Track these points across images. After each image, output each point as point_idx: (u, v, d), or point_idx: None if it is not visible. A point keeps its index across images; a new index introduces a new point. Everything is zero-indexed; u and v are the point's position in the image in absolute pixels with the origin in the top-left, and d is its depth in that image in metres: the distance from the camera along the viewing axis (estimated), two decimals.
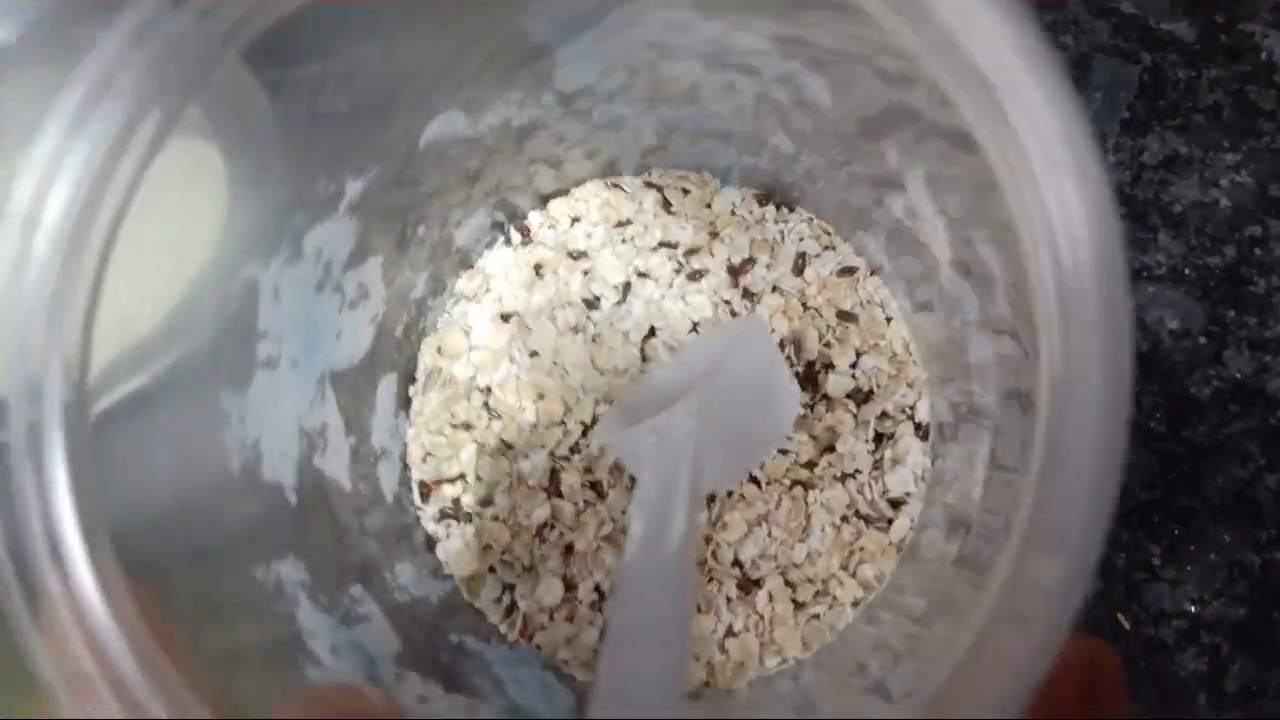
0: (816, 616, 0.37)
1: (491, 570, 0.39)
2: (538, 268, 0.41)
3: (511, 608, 0.39)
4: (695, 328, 0.40)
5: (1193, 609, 0.38)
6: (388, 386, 0.39)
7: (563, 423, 0.39)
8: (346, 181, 0.30)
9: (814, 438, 0.39)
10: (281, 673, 0.25)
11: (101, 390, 0.22)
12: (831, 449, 0.38)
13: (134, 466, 0.24)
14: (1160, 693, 0.37)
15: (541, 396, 0.39)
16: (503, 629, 0.38)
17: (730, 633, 0.37)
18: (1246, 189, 0.41)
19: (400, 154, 0.31)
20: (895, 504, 0.38)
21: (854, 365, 0.39)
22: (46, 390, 0.20)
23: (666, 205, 0.41)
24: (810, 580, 0.38)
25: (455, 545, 0.39)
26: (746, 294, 0.40)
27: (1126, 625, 0.38)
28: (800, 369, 0.39)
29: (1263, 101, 0.42)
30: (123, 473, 0.22)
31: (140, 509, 0.23)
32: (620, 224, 0.41)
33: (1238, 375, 0.39)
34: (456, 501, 0.39)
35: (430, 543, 0.39)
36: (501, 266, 0.41)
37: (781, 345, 0.39)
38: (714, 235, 0.40)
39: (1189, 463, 0.39)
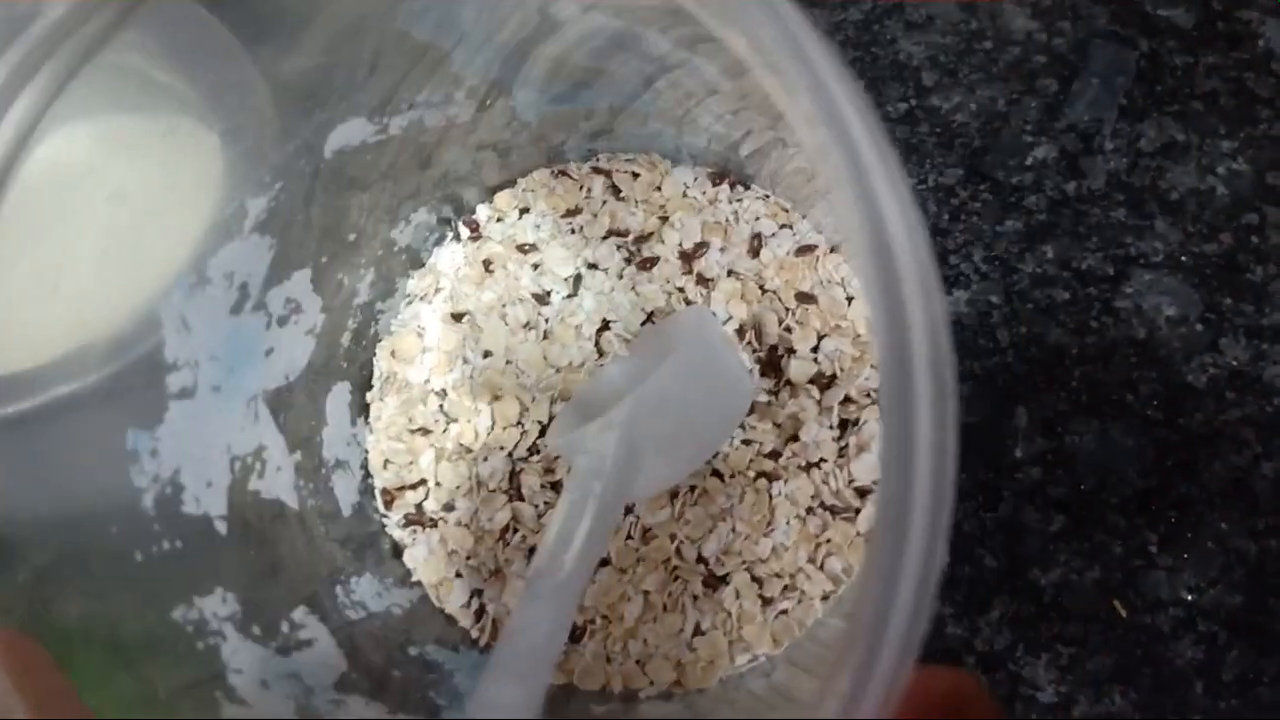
0: (785, 612, 0.36)
1: (458, 575, 0.38)
2: (487, 263, 0.40)
3: (481, 612, 0.38)
4: (650, 318, 0.38)
5: (1189, 596, 0.36)
6: (340, 396, 0.38)
7: (519, 423, 0.38)
8: (246, 200, 0.29)
9: (777, 426, 0.37)
10: (198, 714, 0.25)
11: None
12: (795, 438, 0.37)
13: (15, 501, 0.23)
14: (1156, 681, 0.36)
15: (497, 398, 0.38)
16: (474, 633, 0.38)
17: (698, 631, 0.37)
18: (1244, 176, 0.40)
19: (304, 166, 0.30)
20: (862, 493, 0.36)
21: (816, 349, 0.37)
22: None
23: (615, 191, 0.39)
24: (777, 575, 0.36)
25: (422, 551, 0.39)
26: (701, 280, 0.38)
27: (1123, 612, 0.37)
28: (762, 355, 0.38)
29: (1260, 89, 0.41)
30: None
31: (25, 552, 0.23)
32: (569, 213, 0.39)
33: (1234, 363, 0.38)
34: (420, 507, 0.39)
35: (397, 550, 0.39)
36: (451, 264, 0.40)
37: (741, 332, 0.38)
38: (664, 220, 0.39)
39: (1186, 450, 0.38)
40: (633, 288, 0.38)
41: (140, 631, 0.25)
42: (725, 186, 0.39)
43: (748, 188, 0.39)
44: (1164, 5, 0.42)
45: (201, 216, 0.27)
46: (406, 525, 0.39)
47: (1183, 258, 0.39)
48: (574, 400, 0.37)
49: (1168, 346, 0.39)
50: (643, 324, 0.38)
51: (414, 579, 0.39)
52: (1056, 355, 0.39)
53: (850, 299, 0.37)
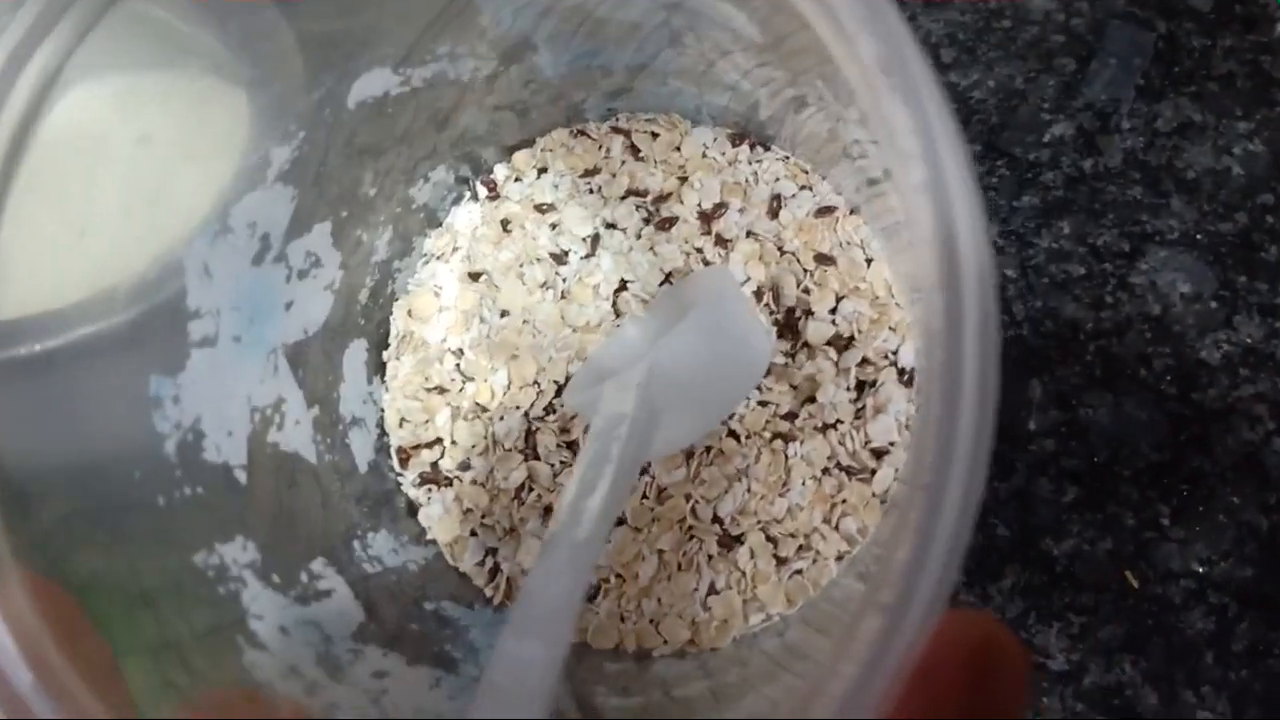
0: (799, 572, 0.36)
1: (473, 534, 0.38)
2: (505, 223, 0.39)
3: (495, 571, 0.38)
4: (668, 279, 0.38)
5: (1201, 569, 0.37)
6: (357, 353, 0.38)
7: (536, 383, 0.38)
8: (271, 150, 0.29)
9: (794, 388, 0.37)
10: (217, 660, 0.25)
11: None
12: (812, 399, 0.37)
13: (38, 443, 0.23)
14: (1167, 651, 0.36)
15: (514, 357, 0.38)
16: (488, 592, 0.38)
17: (713, 590, 0.37)
18: (1259, 157, 0.40)
19: (327, 117, 0.30)
20: (878, 454, 0.36)
21: (834, 310, 0.37)
22: None
23: (635, 151, 0.39)
24: (792, 535, 0.36)
25: (436, 510, 0.39)
26: (719, 240, 0.38)
27: (1135, 583, 0.37)
28: (780, 316, 0.38)
29: (1276, 71, 0.41)
30: (22, 452, 0.22)
31: (47, 492, 0.23)
32: (587, 173, 0.39)
33: (1248, 340, 0.38)
34: (435, 466, 0.39)
35: (412, 508, 0.39)
36: (469, 223, 0.40)
37: (759, 294, 0.38)
38: (684, 180, 0.39)
39: (1199, 425, 0.38)
40: (651, 248, 0.38)
41: (162, 576, 0.26)
42: (745, 147, 0.39)
43: (767, 149, 0.39)
44: None
45: (227, 164, 0.27)
46: (422, 484, 0.39)
47: (1198, 236, 0.40)
48: (591, 360, 0.37)
49: (1182, 323, 0.39)
50: (660, 284, 0.38)
51: (429, 537, 0.39)
52: (1071, 329, 0.39)
53: (870, 261, 0.37)
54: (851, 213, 0.38)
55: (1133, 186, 0.40)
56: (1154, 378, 0.38)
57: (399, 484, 0.39)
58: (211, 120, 0.26)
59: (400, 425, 0.39)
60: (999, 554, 0.38)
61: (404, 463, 0.39)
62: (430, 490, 0.39)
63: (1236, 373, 0.38)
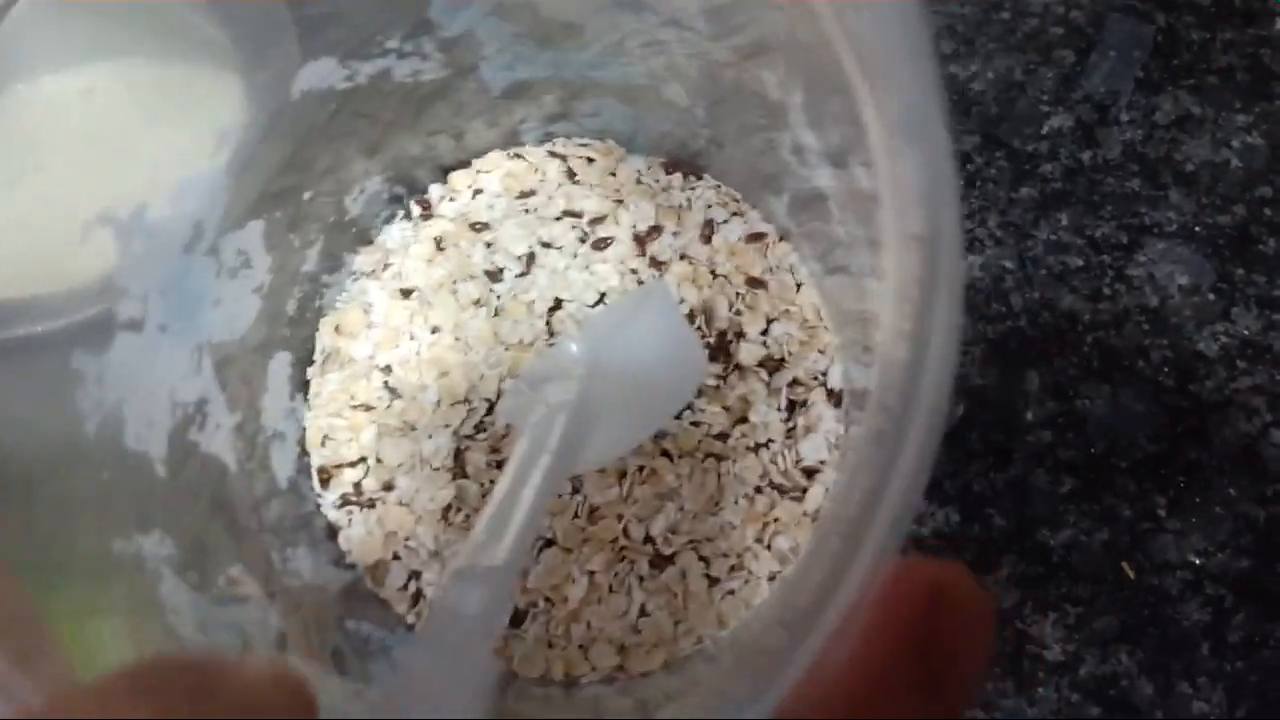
0: (732, 592, 0.36)
1: (395, 557, 0.37)
2: (438, 241, 0.39)
3: (418, 596, 0.37)
4: (602, 299, 0.38)
5: (1197, 560, 0.37)
6: (281, 367, 0.37)
7: (467, 400, 0.38)
8: (217, 128, 0.28)
9: (726, 408, 0.37)
10: (146, 629, 0.23)
11: None
12: (744, 419, 0.37)
13: None
14: (1163, 642, 0.36)
15: (444, 374, 0.38)
16: (409, 618, 0.37)
17: (643, 613, 0.36)
18: (1258, 150, 0.41)
19: (270, 104, 0.29)
20: (809, 473, 0.36)
21: (765, 333, 0.38)
22: None
23: (571, 175, 0.40)
24: (725, 555, 0.36)
25: (358, 533, 0.37)
26: (654, 262, 0.39)
27: (1131, 574, 0.37)
28: (712, 339, 0.38)
29: (1275, 65, 0.42)
30: None
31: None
32: (523, 194, 0.40)
33: (1246, 332, 0.39)
34: (358, 486, 0.38)
35: (331, 531, 0.38)
36: (401, 241, 0.40)
37: (691, 316, 0.38)
38: (619, 203, 0.39)
39: (1196, 417, 0.38)
40: (587, 267, 0.38)
41: (81, 557, 0.24)
42: (678, 175, 0.40)
43: (700, 178, 0.40)
44: None
45: (171, 135, 0.27)
46: (343, 505, 0.37)
47: (1196, 228, 0.40)
48: (524, 375, 0.37)
49: (1179, 315, 0.39)
50: (595, 304, 0.38)
51: (348, 561, 0.37)
52: (1069, 321, 0.39)
53: (799, 285, 0.38)
54: (781, 239, 0.39)
55: (1131, 179, 0.41)
56: (1151, 369, 0.39)
57: (319, 505, 0.38)
58: (162, 84, 0.26)
59: (322, 444, 0.38)
60: (995, 544, 0.38)
61: (324, 483, 0.38)
62: (351, 512, 0.37)
63: (1234, 365, 0.39)
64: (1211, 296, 0.40)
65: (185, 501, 0.29)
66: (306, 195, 0.34)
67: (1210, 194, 0.41)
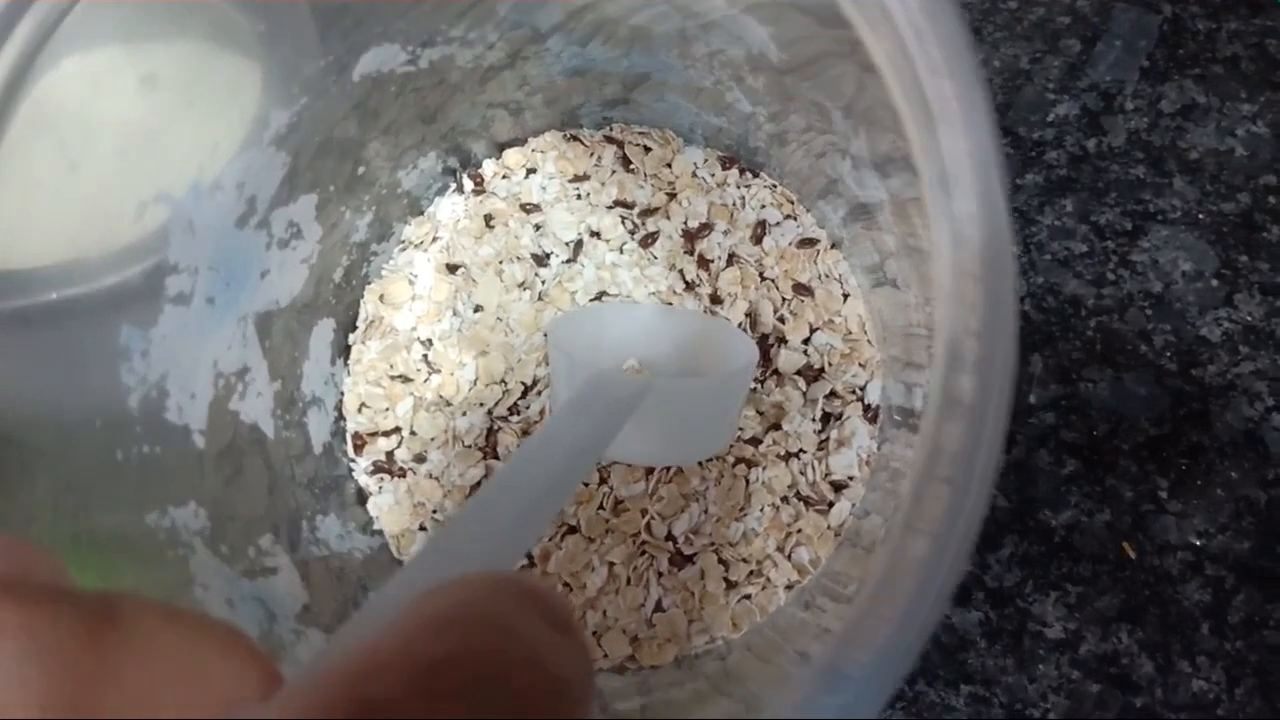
0: (748, 597, 0.36)
1: (422, 528, 0.38)
2: (488, 219, 0.39)
3: None
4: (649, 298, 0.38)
5: (1198, 541, 0.37)
6: (324, 332, 0.37)
7: (503, 381, 0.38)
8: (272, 111, 0.28)
9: (761, 414, 0.37)
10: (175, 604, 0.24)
11: None
12: (778, 426, 0.37)
13: (10, 386, 0.22)
14: (1164, 621, 0.37)
15: (484, 353, 0.38)
16: None
17: (659, 608, 0.36)
18: (1262, 139, 0.41)
19: (331, 86, 0.29)
20: (838, 487, 0.36)
21: (807, 341, 0.38)
22: None
23: (625, 162, 0.39)
24: (744, 560, 0.36)
25: (387, 500, 0.38)
26: (702, 261, 0.38)
27: (1132, 554, 0.37)
28: (754, 341, 0.38)
29: None
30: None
31: (14, 428, 0.22)
32: (577, 178, 0.39)
33: (1249, 318, 0.39)
34: (390, 455, 0.38)
35: (362, 496, 0.38)
36: (451, 215, 0.40)
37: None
38: (672, 197, 0.39)
39: (1199, 401, 0.38)
40: (636, 265, 0.38)
41: (114, 530, 0.25)
42: (734, 171, 0.39)
43: (756, 175, 0.39)
44: None
45: (227, 117, 0.27)
46: (375, 472, 0.38)
47: (1200, 215, 0.40)
48: (596, 310, 0.37)
49: (1183, 300, 0.39)
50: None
51: (376, 527, 0.38)
52: (1073, 305, 0.39)
53: (846, 296, 0.38)
54: (833, 246, 0.38)
55: (1136, 166, 0.41)
56: (1154, 354, 0.39)
57: (351, 470, 0.38)
58: (218, 70, 0.26)
59: (359, 411, 0.38)
60: (998, 524, 0.38)
61: (359, 449, 0.38)
62: (383, 479, 0.38)
63: (1237, 350, 0.39)
64: (1215, 283, 0.39)
65: (220, 472, 0.30)
66: (361, 169, 0.34)
67: (1214, 182, 0.41)
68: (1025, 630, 0.37)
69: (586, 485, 0.37)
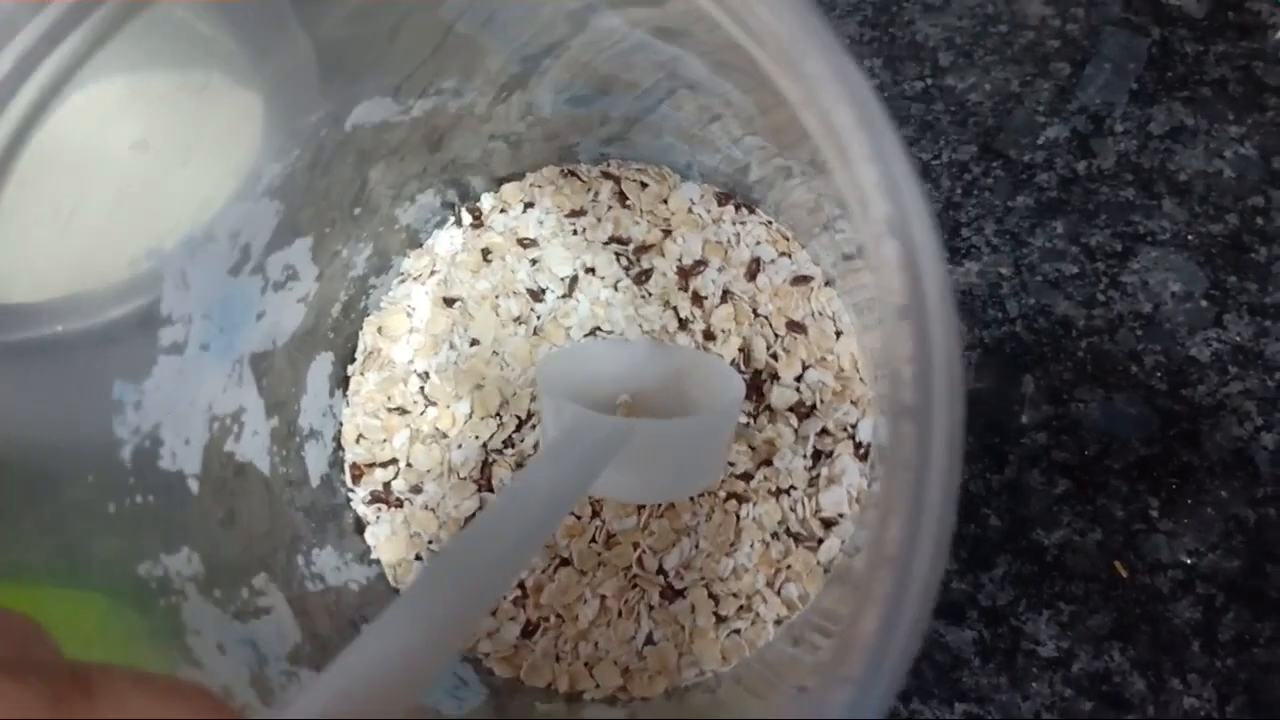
0: (738, 632, 0.37)
1: (418, 558, 0.38)
2: (485, 253, 0.40)
3: None
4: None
5: (1189, 560, 0.38)
6: (322, 366, 0.38)
7: (498, 414, 0.38)
8: (266, 164, 0.29)
9: (752, 449, 0.38)
10: (166, 652, 0.25)
11: None
12: (769, 463, 0.37)
13: (7, 420, 0.23)
14: (1155, 639, 0.37)
15: (479, 386, 0.39)
16: None
17: (650, 640, 0.37)
18: (1250, 160, 0.41)
19: (324, 138, 0.30)
20: (827, 524, 0.37)
21: (799, 378, 0.38)
22: None
23: (622, 198, 0.40)
24: (734, 595, 0.37)
25: (384, 530, 0.39)
26: (696, 298, 0.38)
27: (1124, 573, 0.38)
28: (746, 377, 0.38)
29: (1268, 78, 0.42)
30: None
31: (12, 460, 0.23)
32: (573, 213, 0.40)
33: (1237, 338, 0.39)
34: (388, 486, 0.39)
35: (359, 526, 0.39)
36: (449, 248, 0.40)
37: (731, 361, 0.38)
38: (667, 234, 0.39)
39: (1188, 420, 0.39)
40: (630, 304, 0.38)
41: (106, 582, 0.25)
42: (730, 208, 0.40)
43: (752, 211, 0.40)
44: None
45: (219, 173, 0.27)
46: (372, 502, 0.39)
47: (1189, 236, 0.40)
48: (585, 347, 0.38)
49: (1172, 321, 0.40)
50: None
51: (373, 556, 0.39)
52: (1064, 326, 0.40)
53: (839, 334, 0.38)
54: (826, 284, 0.39)
55: (1125, 188, 0.41)
56: (1145, 374, 0.39)
57: (349, 500, 0.39)
58: (211, 130, 0.26)
59: (357, 441, 0.39)
60: (990, 543, 0.38)
61: (356, 479, 0.39)
62: (380, 510, 0.39)
63: (1226, 370, 0.39)
64: (1204, 303, 0.40)
65: (214, 514, 0.31)
66: (356, 211, 0.35)
67: (1203, 203, 0.41)
68: (1018, 649, 0.37)
69: (579, 518, 0.38)
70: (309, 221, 0.33)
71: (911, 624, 0.18)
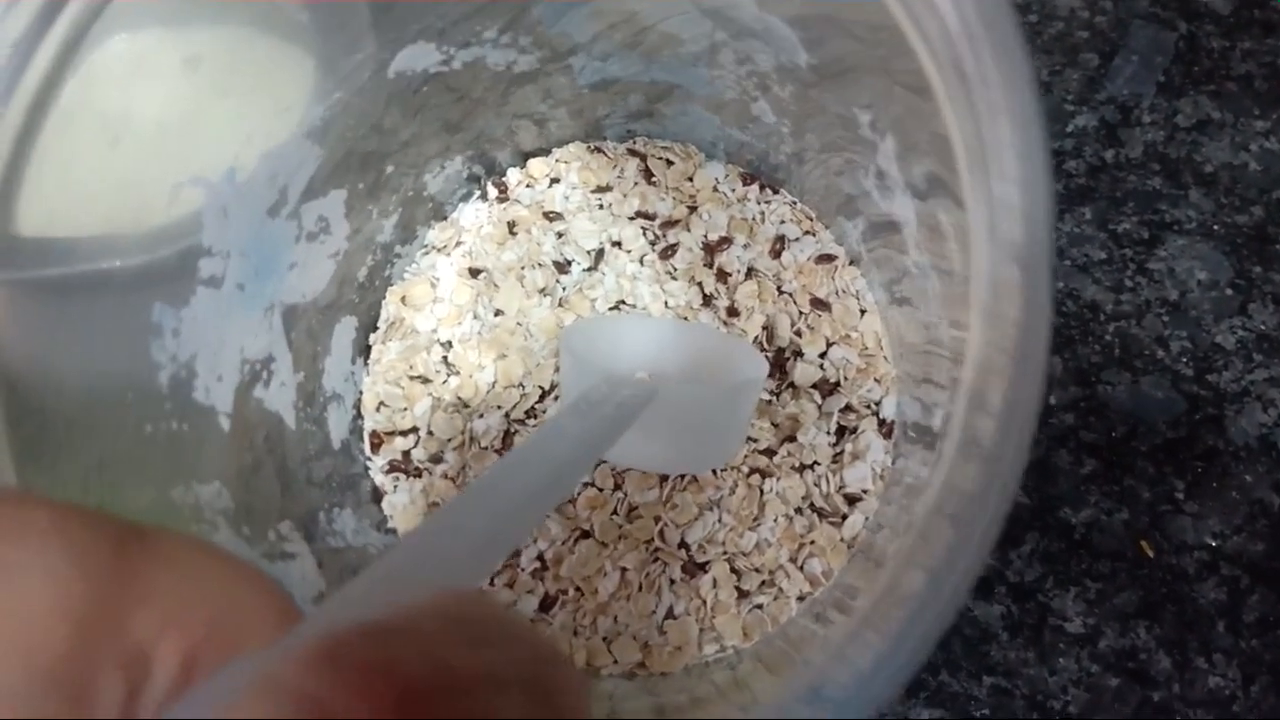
0: (760, 606, 0.36)
1: None
2: (511, 225, 0.40)
3: None
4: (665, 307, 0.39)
5: (1213, 542, 0.38)
6: (346, 330, 0.38)
7: (521, 385, 0.38)
8: (307, 104, 0.29)
9: (776, 425, 0.38)
10: None
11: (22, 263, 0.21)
12: (793, 439, 0.37)
13: (45, 356, 0.23)
14: (1180, 618, 0.37)
15: (503, 356, 0.38)
16: None
17: (670, 614, 0.36)
18: (1275, 154, 0.42)
19: (367, 82, 0.30)
20: (851, 500, 0.37)
21: (823, 355, 0.38)
22: None
23: (648, 175, 0.40)
24: (757, 570, 0.36)
25: (402, 499, 0.38)
26: (721, 275, 0.39)
27: (1150, 553, 0.38)
28: (770, 355, 0.38)
29: None
30: (32, 357, 0.21)
31: (52, 405, 0.22)
32: (599, 189, 0.40)
33: (1262, 326, 0.40)
34: (407, 455, 0.38)
35: (377, 495, 0.38)
36: (475, 221, 0.40)
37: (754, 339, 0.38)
38: (692, 210, 0.39)
39: (1214, 405, 0.39)
40: (656, 279, 0.39)
41: (140, 504, 0.25)
42: (755, 187, 0.40)
43: (776, 191, 0.40)
44: None
45: (264, 106, 0.27)
46: (390, 471, 0.38)
47: (1215, 226, 0.41)
48: (610, 321, 0.38)
49: (1198, 308, 0.40)
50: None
51: (389, 525, 0.38)
52: (1092, 310, 0.40)
53: (863, 312, 0.38)
54: (851, 263, 0.39)
55: (1152, 177, 0.42)
56: (1171, 359, 0.40)
57: (367, 468, 0.38)
58: (260, 58, 0.26)
59: (378, 409, 0.39)
60: (1019, 521, 0.39)
61: (375, 447, 0.39)
62: (398, 479, 0.38)
63: (1250, 358, 0.40)
64: (1229, 292, 0.40)
65: (243, 457, 0.30)
66: (389, 168, 0.35)
67: (1229, 194, 0.42)
68: (1046, 624, 0.37)
69: (601, 490, 0.37)
70: (345, 174, 0.33)
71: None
